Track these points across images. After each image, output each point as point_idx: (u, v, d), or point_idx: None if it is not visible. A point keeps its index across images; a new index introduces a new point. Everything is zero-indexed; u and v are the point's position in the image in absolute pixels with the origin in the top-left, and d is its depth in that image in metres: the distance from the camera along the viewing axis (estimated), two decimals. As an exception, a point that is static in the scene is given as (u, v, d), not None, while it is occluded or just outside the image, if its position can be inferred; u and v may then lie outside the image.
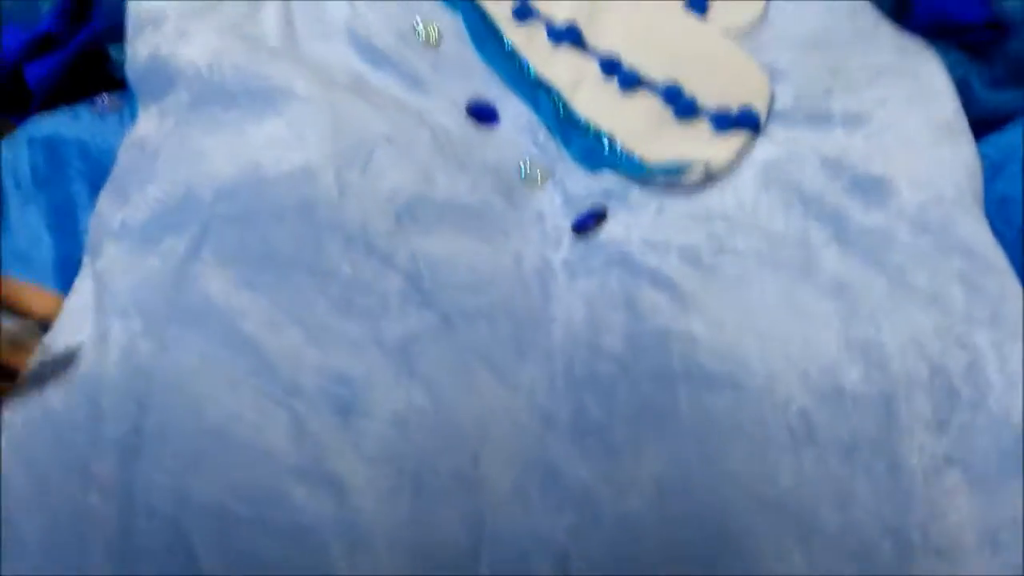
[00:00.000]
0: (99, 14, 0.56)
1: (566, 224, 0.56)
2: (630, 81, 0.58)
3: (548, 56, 0.61)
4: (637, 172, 0.55)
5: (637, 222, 0.53)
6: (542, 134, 0.58)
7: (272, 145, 0.47)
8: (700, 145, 0.55)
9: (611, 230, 0.54)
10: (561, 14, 0.62)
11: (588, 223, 0.55)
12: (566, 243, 0.54)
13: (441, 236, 0.50)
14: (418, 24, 0.61)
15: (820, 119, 0.56)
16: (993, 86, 0.61)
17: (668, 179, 0.54)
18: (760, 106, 0.56)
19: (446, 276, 0.48)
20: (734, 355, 0.45)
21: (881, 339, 0.45)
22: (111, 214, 0.48)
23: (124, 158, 0.51)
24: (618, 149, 0.57)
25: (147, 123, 0.52)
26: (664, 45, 0.59)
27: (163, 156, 0.47)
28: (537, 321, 0.50)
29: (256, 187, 0.45)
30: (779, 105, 0.57)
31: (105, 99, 0.56)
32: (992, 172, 0.56)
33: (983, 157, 0.56)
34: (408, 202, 0.49)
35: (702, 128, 0.56)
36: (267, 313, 0.43)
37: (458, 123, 0.57)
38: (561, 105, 0.60)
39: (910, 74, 0.57)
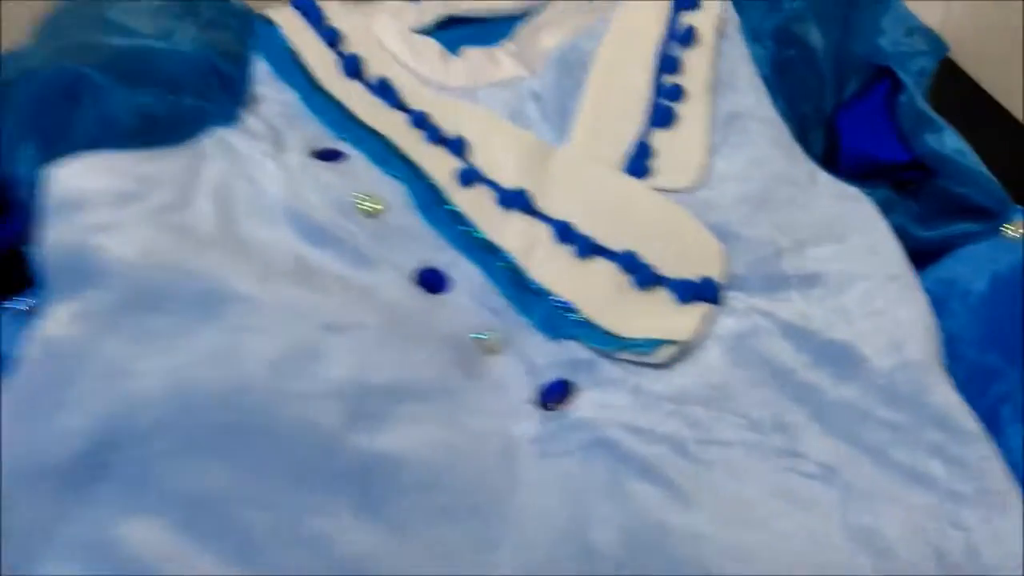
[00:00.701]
0: (17, 217, 0.51)
1: (530, 397, 0.53)
2: (587, 248, 0.56)
3: (498, 221, 0.60)
4: (607, 345, 0.53)
5: (613, 402, 0.51)
6: (497, 300, 0.56)
7: (207, 361, 0.42)
8: (665, 316, 0.54)
9: (583, 407, 0.51)
10: (507, 179, 0.61)
11: (556, 393, 0.53)
12: (534, 418, 0.51)
13: (393, 430, 0.45)
14: (357, 197, 0.59)
15: (776, 283, 0.55)
16: (923, 221, 0.62)
17: (639, 355, 0.52)
18: (718, 275, 0.55)
19: (398, 478, 0.44)
20: (742, 553, 0.42)
21: (881, 526, 0.43)
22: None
23: (30, 369, 0.43)
24: (583, 318, 0.55)
25: (60, 324, 0.44)
26: (614, 211, 0.59)
27: (81, 375, 0.41)
28: (504, 513, 0.46)
29: (190, 414, 0.40)
30: (734, 269, 0.56)
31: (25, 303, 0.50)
32: (936, 309, 0.56)
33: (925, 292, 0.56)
34: (356, 395, 0.45)
35: (663, 297, 0.55)
36: (208, 563, 0.37)
37: (407, 294, 0.55)
38: (516, 271, 0.58)
39: (853, 225, 0.58)
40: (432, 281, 0.58)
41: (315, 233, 0.55)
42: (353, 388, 0.46)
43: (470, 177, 0.62)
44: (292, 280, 0.50)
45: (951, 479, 0.45)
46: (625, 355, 0.52)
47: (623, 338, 0.53)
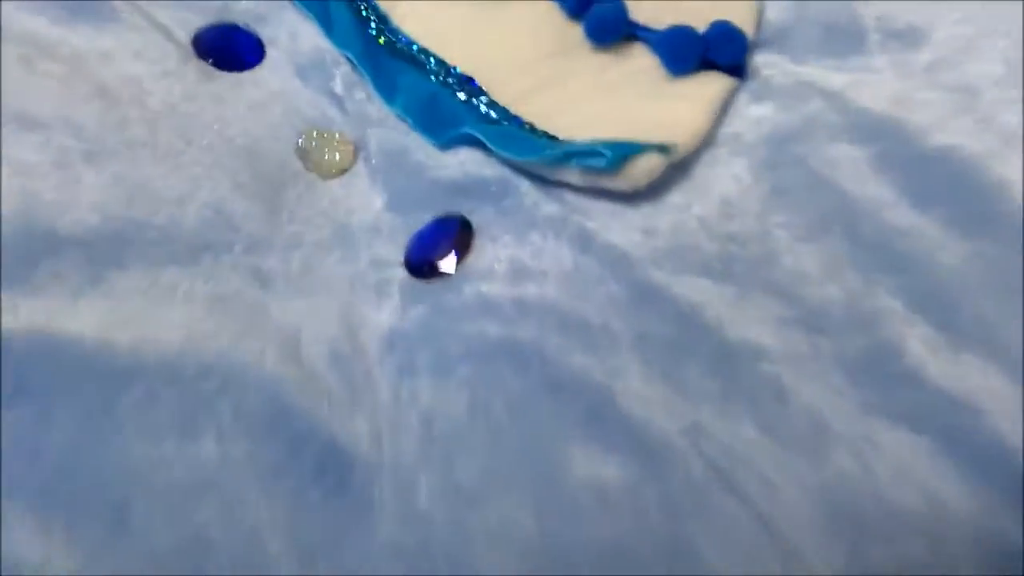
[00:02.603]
0: None
1: (394, 254, 0.29)
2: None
3: None
4: (535, 153, 0.28)
5: (540, 264, 0.26)
6: (343, 76, 0.34)
7: None
8: (643, 97, 0.29)
9: (483, 274, 0.27)
10: None
11: (439, 245, 0.28)
12: (393, 295, 0.28)
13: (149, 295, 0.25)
14: None
15: (848, 38, 0.30)
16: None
17: (592, 172, 0.27)
18: (747, 23, 0.30)
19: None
20: None
21: None
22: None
23: None
24: (495, 102, 0.30)
25: None
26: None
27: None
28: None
29: None
30: (774, 17, 0.31)
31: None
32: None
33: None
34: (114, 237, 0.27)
35: (640, 63, 0.30)
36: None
37: (184, 73, 0.31)
38: (373, 18, 0.32)
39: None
40: (229, 49, 0.32)
41: None
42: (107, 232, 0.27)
43: None
44: None
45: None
46: (569, 172, 0.27)
47: (567, 142, 0.28)
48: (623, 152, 0.26)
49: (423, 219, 0.30)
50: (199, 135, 0.30)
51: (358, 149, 0.32)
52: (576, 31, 0.31)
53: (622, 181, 0.26)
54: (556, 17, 0.31)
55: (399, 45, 0.32)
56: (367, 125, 0.32)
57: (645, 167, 0.26)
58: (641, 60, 0.30)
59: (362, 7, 0.33)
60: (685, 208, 0.27)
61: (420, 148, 0.31)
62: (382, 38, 0.33)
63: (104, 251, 0.26)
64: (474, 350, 0.25)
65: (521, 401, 0.24)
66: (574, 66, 0.31)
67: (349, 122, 0.32)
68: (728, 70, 0.30)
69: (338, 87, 0.33)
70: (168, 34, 0.33)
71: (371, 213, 0.30)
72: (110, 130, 0.29)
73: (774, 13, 0.31)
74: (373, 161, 0.31)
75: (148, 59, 0.31)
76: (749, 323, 0.24)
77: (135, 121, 0.29)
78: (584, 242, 0.26)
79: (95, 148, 0.28)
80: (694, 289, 0.25)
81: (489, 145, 0.29)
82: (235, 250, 0.28)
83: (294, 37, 0.34)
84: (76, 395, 0.24)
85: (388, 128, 0.32)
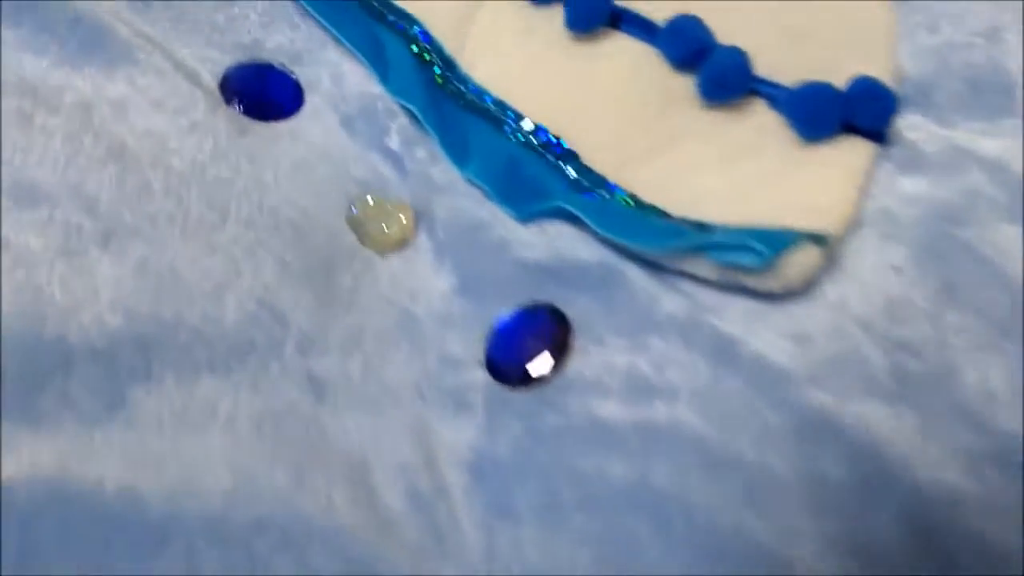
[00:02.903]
0: None
1: (471, 351, 0.24)
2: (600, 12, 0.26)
3: None
4: (658, 242, 0.23)
5: (664, 378, 0.22)
6: (400, 129, 0.29)
7: None
8: (776, 174, 0.24)
9: (591, 380, 0.22)
10: None
11: (527, 345, 0.24)
12: (476, 402, 0.23)
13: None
14: None
15: (996, 94, 0.26)
16: None
17: (737, 269, 0.22)
18: (885, 75, 0.25)
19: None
20: None
21: None
22: None
23: None
24: (591, 169, 0.25)
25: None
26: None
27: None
28: None
29: None
30: (912, 70, 0.27)
31: None
32: None
33: None
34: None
35: (763, 124, 0.25)
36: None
37: (213, 125, 0.27)
38: (438, 62, 0.28)
39: None
40: (258, 92, 0.27)
41: None
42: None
43: None
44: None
45: None
46: (697, 263, 0.23)
47: (694, 227, 0.23)
48: (778, 246, 0.21)
49: (504, 309, 0.25)
50: (235, 205, 0.25)
51: (419, 219, 0.27)
52: (681, 83, 0.26)
53: (773, 280, 0.21)
54: (657, 66, 0.27)
55: (469, 95, 0.27)
56: (431, 191, 0.27)
57: (801, 264, 0.21)
58: (762, 119, 0.26)
59: (424, 50, 0.28)
60: (840, 307, 0.22)
61: (498, 221, 0.26)
62: (448, 86, 0.28)
63: (126, 362, 0.21)
64: (594, 495, 0.20)
65: (665, 571, 0.19)
66: (682, 126, 0.26)
67: (409, 186, 0.27)
68: (868, 133, 0.25)
69: (394, 142, 0.28)
70: (193, 77, 0.27)
71: (439, 298, 0.25)
72: (129, 202, 0.23)
73: (911, 64, 0.27)
74: (440, 235, 0.26)
75: (170, 109, 0.26)
76: (938, 460, 0.20)
77: (159, 190, 0.24)
78: (723, 352, 0.22)
79: (111, 226, 0.23)
80: (868, 417, 0.20)
81: (590, 224, 0.24)
82: (285, 351, 0.23)
83: (338, 80, 0.29)
84: (96, 561, 0.18)
85: (458, 195, 0.27)
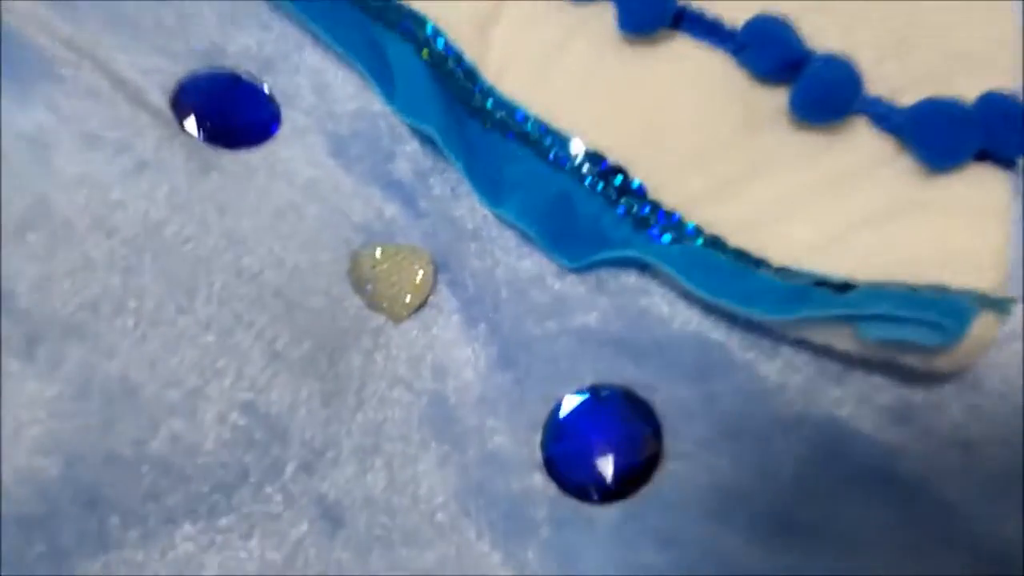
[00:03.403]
0: None
1: (523, 449, 0.19)
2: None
3: None
4: (776, 307, 0.18)
5: None
6: (411, 156, 0.23)
7: None
8: (904, 213, 0.19)
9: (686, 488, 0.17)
10: None
11: (598, 449, 0.19)
12: (543, 527, 0.18)
13: None
14: None
15: None
16: None
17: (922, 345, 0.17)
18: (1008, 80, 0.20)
19: None
20: None
21: None
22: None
23: None
24: (651, 207, 0.21)
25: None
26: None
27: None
28: None
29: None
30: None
31: None
32: None
33: None
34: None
35: (873, 150, 0.20)
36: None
37: (168, 161, 0.21)
38: (460, 72, 0.22)
39: None
40: (222, 111, 0.22)
41: None
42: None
43: None
44: None
45: None
46: (833, 333, 0.17)
47: (829, 288, 0.18)
48: (963, 316, 0.16)
49: (562, 391, 0.20)
50: (204, 274, 0.19)
51: (440, 271, 0.21)
52: (765, 98, 0.21)
53: (945, 359, 0.17)
54: (734, 76, 0.21)
55: (499, 113, 0.22)
56: (455, 235, 0.21)
57: (979, 337, 0.16)
58: (869, 142, 0.21)
59: (440, 58, 0.22)
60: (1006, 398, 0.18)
61: (548, 272, 0.21)
62: (472, 102, 0.22)
63: (70, 528, 0.15)
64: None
65: None
66: (769, 150, 0.21)
67: (424, 230, 0.21)
68: (999, 160, 0.20)
69: (403, 173, 0.22)
70: (137, 96, 0.21)
71: (474, 374, 0.20)
72: (59, 289, 0.17)
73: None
74: (470, 290, 0.21)
75: (109, 144, 0.20)
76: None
77: (100, 264, 0.18)
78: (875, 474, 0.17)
79: (38, 327, 0.17)
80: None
81: (679, 279, 0.19)
82: (286, 473, 0.17)
83: (322, 91, 0.23)
84: None
85: (490, 240, 0.21)
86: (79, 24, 0.21)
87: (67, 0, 0.21)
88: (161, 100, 0.21)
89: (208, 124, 0.22)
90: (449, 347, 0.21)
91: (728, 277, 0.19)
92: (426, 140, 0.22)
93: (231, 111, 0.22)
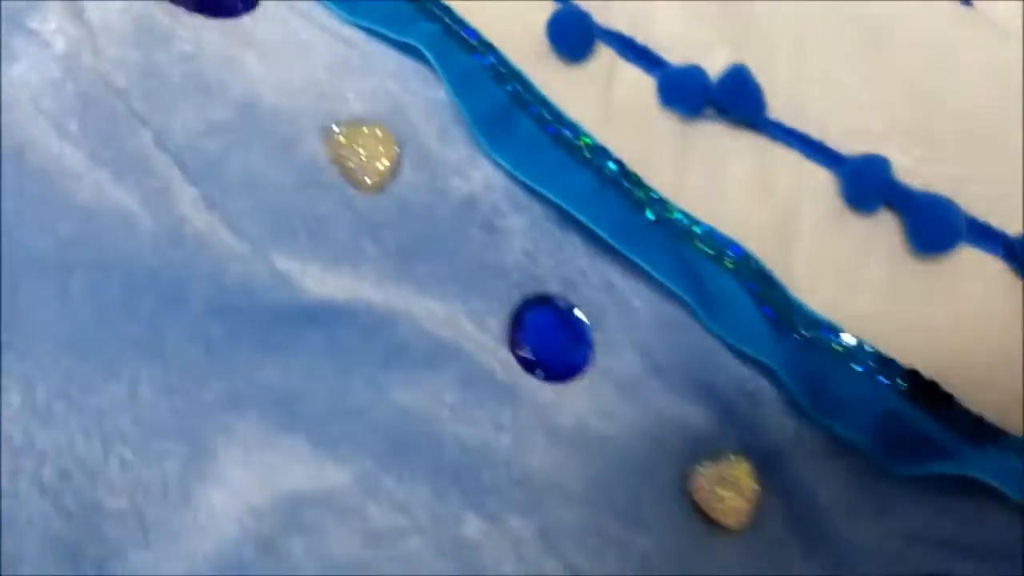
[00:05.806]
0: None
1: None
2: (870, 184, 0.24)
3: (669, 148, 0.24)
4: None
5: None
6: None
7: None
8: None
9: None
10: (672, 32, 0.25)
11: None
12: None
13: None
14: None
15: None
16: None
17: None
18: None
19: None
20: None
21: None
22: None
23: None
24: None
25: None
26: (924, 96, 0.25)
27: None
28: None
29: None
30: None
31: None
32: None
33: None
34: None
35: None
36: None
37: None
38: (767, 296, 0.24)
39: None
40: (552, 347, 0.24)
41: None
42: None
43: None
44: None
45: None
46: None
47: None
48: None
49: None
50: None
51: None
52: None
53: None
54: (1013, 286, 0.23)
55: (821, 337, 0.23)
56: (775, 445, 0.23)
57: None
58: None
59: (749, 274, 0.23)
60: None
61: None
62: (783, 319, 0.23)
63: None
64: None
65: None
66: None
67: (743, 439, 0.23)
68: None
69: (724, 386, 0.23)
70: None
71: None
72: None
73: None
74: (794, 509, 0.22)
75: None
76: None
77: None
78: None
79: None
80: None
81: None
82: None
83: (627, 310, 0.24)
84: None
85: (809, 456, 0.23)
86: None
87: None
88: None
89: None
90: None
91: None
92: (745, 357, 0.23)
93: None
